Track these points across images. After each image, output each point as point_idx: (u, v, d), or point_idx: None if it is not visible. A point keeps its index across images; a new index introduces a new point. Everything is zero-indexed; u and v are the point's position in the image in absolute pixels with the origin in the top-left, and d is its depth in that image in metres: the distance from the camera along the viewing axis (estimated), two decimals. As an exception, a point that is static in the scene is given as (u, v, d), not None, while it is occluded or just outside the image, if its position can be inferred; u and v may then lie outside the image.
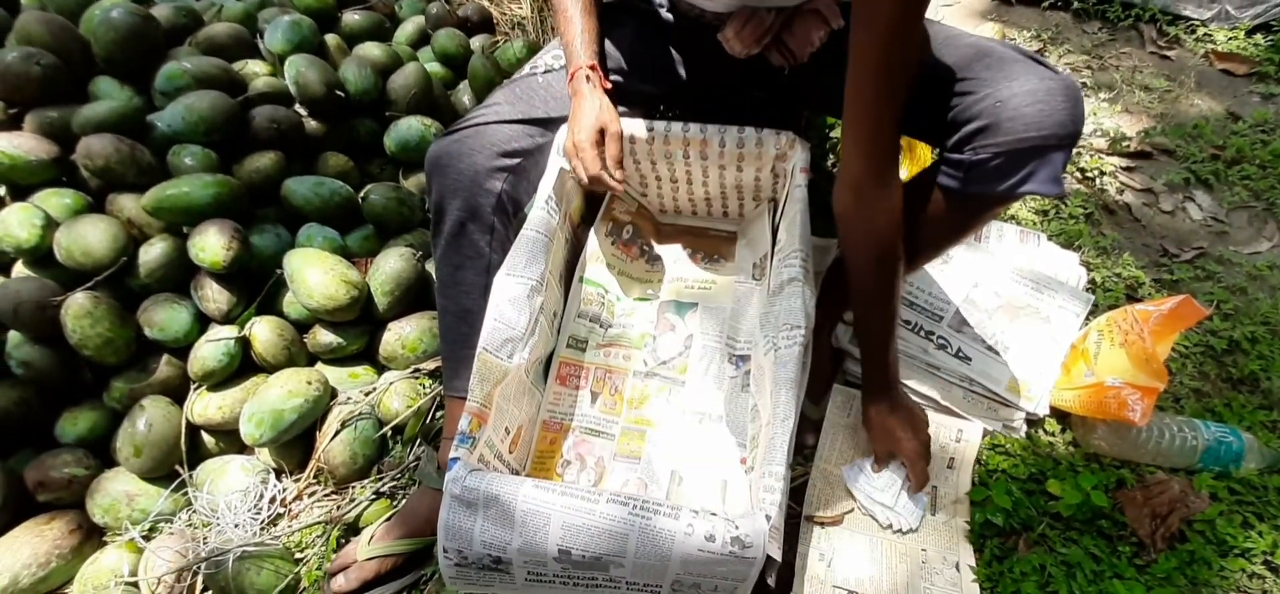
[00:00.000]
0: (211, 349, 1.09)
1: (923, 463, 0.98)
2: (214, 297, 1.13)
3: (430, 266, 1.27)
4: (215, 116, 1.21)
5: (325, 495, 1.09)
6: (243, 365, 1.14)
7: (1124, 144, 1.58)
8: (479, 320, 0.85)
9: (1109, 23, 1.91)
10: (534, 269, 0.89)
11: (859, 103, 0.75)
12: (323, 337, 1.18)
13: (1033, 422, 1.11)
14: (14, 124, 1.19)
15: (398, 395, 1.13)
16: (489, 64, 1.53)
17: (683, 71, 1.04)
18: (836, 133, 1.56)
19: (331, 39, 1.49)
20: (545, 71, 1.02)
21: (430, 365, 1.19)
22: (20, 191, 1.16)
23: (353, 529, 1.04)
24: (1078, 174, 1.52)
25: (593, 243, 1.12)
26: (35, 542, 0.99)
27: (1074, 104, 0.76)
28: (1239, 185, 1.48)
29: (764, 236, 1.10)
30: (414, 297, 1.23)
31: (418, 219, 1.35)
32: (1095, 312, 1.20)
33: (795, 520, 0.99)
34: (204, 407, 1.10)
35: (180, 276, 1.15)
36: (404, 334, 1.19)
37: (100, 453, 1.08)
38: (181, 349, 1.12)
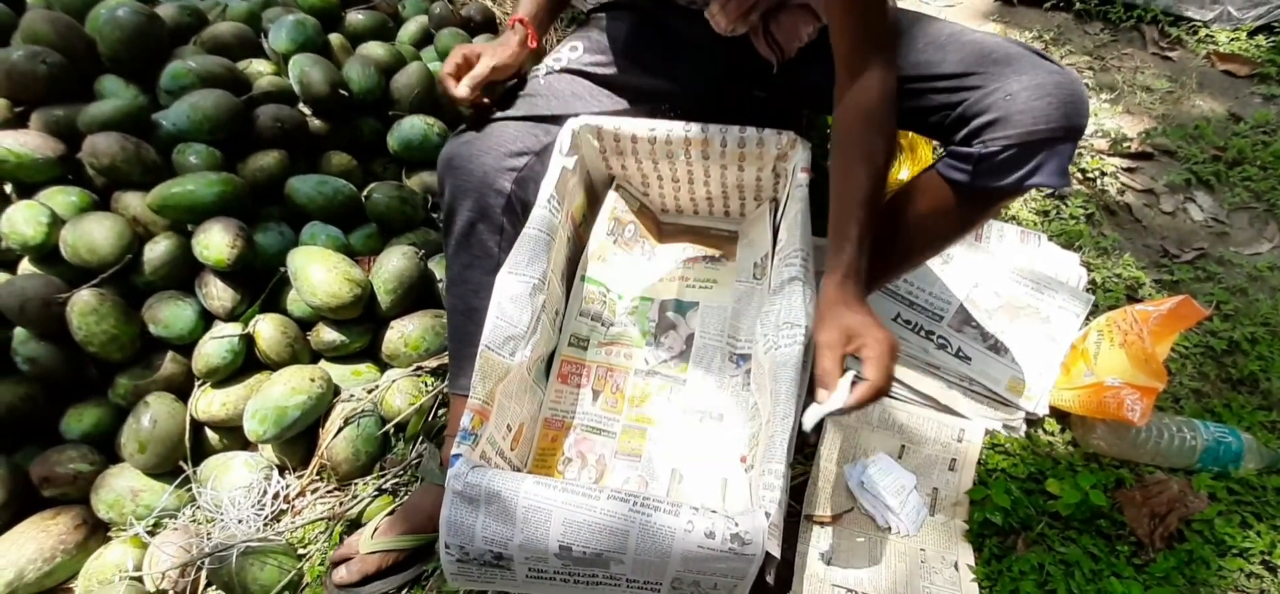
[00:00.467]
0: (216, 346, 1.10)
1: (887, 361, 0.76)
2: (218, 294, 1.13)
3: (433, 265, 1.28)
4: (220, 115, 1.22)
5: (328, 492, 1.10)
6: (246, 362, 1.14)
7: (1125, 145, 1.58)
8: (484, 319, 0.86)
9: (1111, 24, 1.91)
10: (536, 267, 0.89)
11: None
12: (326, 334, 1.18)
13: (1032, 421, 1.11)
14: (20, 122, 1.20)
15: (400, 393, 1.14)
16: (491, 63, 1.53)
17: (681, 65, 1.05)
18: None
19: (335, 38, 1.49)
20: (546, 73, 1.04)
21: (432, 363, 1.19)
22: (26, 189, 1.17)
23: (355, 525, 1.05)
24: (1079, 174, 1.52)
25: (594, 241, 1.12)
26: (40, 537, 0.99)
27: (1080, 97, 0.78)
28: (1240, 186, 1.48)
29: (765, 236, 1.10)
30: (417, 295, 1.24)
31: (421, 218, 1.36)
32: (1095, 312, 1.20)
33: (795, 519, 0.99)
34: (208, 403, 1.11)
35: (185, 274, 1.16)
36: (407, 332, 1.20)
37: (105, 449, 1.09)
38: (186, 346, 1.13)
